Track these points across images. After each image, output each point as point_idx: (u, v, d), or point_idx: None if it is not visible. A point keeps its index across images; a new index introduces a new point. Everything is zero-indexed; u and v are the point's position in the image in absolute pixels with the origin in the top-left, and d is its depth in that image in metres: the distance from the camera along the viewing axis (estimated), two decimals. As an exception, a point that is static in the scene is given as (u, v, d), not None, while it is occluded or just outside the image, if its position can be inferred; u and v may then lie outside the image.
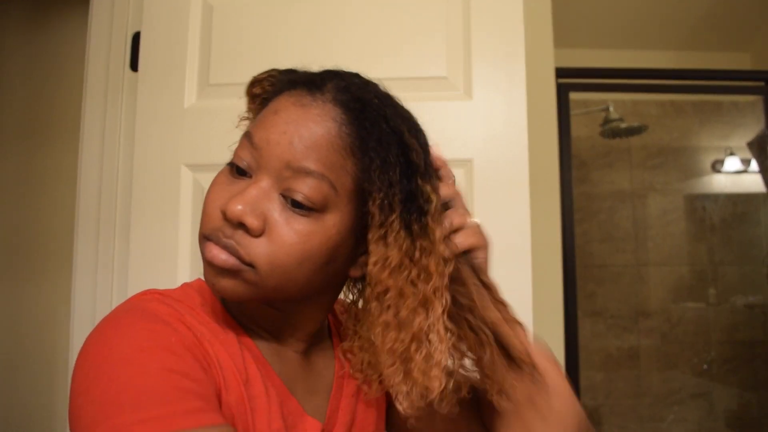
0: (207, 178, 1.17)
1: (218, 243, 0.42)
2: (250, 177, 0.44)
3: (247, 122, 0.54)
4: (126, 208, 1.07)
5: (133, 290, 1.00)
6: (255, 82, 0.52)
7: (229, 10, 1.06)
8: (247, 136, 0.45)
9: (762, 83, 1.51)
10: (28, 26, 1.45)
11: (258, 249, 0.42)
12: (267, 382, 0.46)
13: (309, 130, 0.43)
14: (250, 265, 0.42)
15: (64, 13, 1.44)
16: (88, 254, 1.09)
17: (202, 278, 0.51)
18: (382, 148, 0.44)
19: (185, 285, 0.50)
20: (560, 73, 1.27)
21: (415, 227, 0.44)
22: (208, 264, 0.43)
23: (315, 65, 0.52)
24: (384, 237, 0.44)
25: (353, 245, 0.47)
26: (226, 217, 0.42)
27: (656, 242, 2.56)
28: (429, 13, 1.03)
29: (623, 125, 2.34)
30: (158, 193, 1.02)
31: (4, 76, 1.44)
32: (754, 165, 2.46)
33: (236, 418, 0.42)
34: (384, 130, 0.45)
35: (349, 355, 0.54)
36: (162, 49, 1.06)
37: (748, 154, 2.46)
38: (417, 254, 0.44)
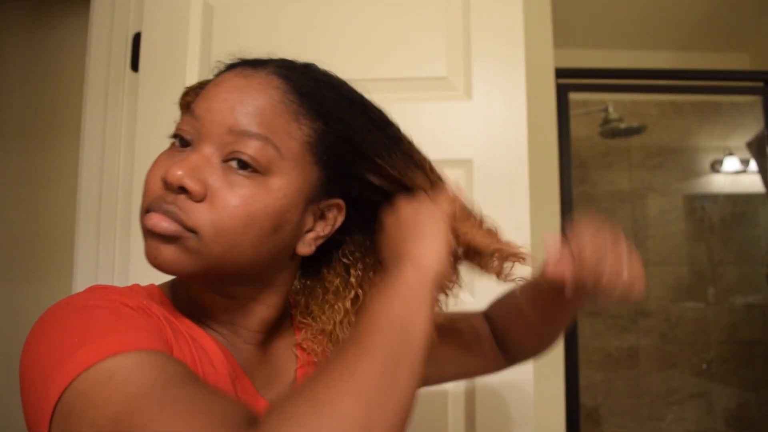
0: (208, 178, 1.15)
1: (159, 210, 0.41)
2: (192, 149, 0.43)
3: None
4: (126, 208, 1.07)
5: (133, 290, 1.00)
6: (188, 91, 0.53)
7: (229, 11, 1.06)
8: (188, 110, 0.45)
9: (761, 84, 1.51)
10: (28, 27, 1.45)
11: (200, 213, 0.41)
12: (220, 361, 0.45)
13: (251, 97, 0.43)
14: (193, 230, 0.41)
15: (64, 13, 1.44)
16: (89, 255, 1.09)
17: (154, 284, 0.51)
18: (337, 115, 0.46)
19: (134, 285, 0.49)
20: (560, 73, 1.28)
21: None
22: (149, 234, 0.41)
23: (254, 57, 0.52)
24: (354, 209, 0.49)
25: (300, 217, 0.46)
26: (166, 183, 0.41)
27: (655, 242, 2.56)
28: (429, 13, 1.03)
29: (623, 125, 2.34)
30: (159, 193, 1.02)
31: (4, 76, 1.44)
32: (753, 165, 2.47)
33: None
34: (333, 97, 0.47)
35: (305, 345, 0.54)
36: (163, 49, 1.06)
37: (747, 155, 2.47)
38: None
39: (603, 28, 2.20)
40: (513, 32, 1.02)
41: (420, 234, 0.45)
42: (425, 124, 0.99)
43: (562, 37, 1.37)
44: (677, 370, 2.50)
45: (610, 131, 2.37)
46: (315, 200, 0.47)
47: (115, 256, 1.09)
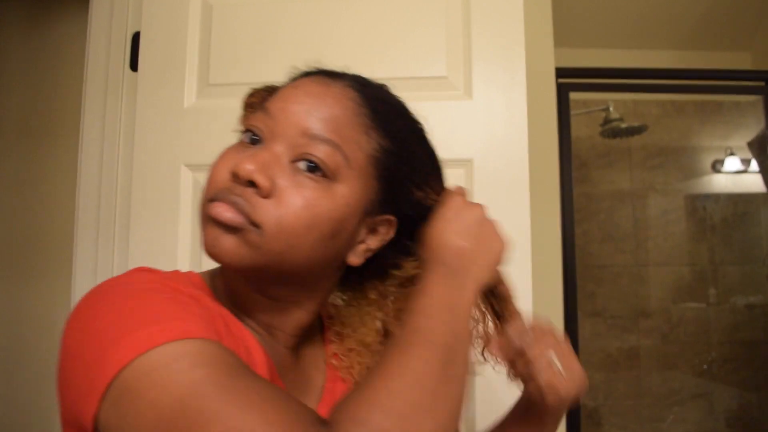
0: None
1: (225, 200, 0.41)
2: (262, 145, 0.44)
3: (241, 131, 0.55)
4: (125, 207, 1.07)
5: (132, 290, 1.00)
6: (254, 92, 0.54)
7: (228, 10, 1.06)
8: (262, 108, 0.46)
9: (762, 83, 1.50)
10: (27, 26, 1.45)
11: (266, 209, 0.41)
12: (261, 360, 0.45)
13: (327, 105, 0.44)
14: (256, 225, 0.41)
15: (63, 12, 1.44)
16: (88, 254, 1.09)
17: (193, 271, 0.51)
18: (423, 150, 0.50)
19: (176, 271, 0.50)
20: (560, 72, 1.27)
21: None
22: (212, 221, 0.42)
23: (314, 64, 0.52)
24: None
25: (356, 227, 0.47)
26: (236, 176, 0.41)
27: (656, 242, 2.55)
28: (429, 12, 1.03)
29: (623, 125, 2.34)
30: (158, 192, 1.02)
31: (3, 75, 1.44)
32: (754, 165, 2.46)
33: None
34: (402, 119, 0.49)
35: (335, 360, 0.54)
36: (162, 48, 1.06)
37: (748, 154, 2.46)
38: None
39: (603, 27, 2.20)
40: (513, 32, 1.02)
41: (482, 244, 0.48)
42: (425, 124, 0.98)
43: (562, 36, 1.37)
44: (678, 371, 2.49)
45: (611, 131, 2.36)
46: (371, 213, 0.48)
47: (114, 255, 1.08)
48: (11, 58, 1.44)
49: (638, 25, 2.19)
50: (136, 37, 1.11)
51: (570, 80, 1.35)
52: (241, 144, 0.46)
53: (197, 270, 1.05)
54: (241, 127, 0.48)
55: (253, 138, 0.45)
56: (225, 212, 0.41)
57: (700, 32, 2.24)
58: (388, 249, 0.52)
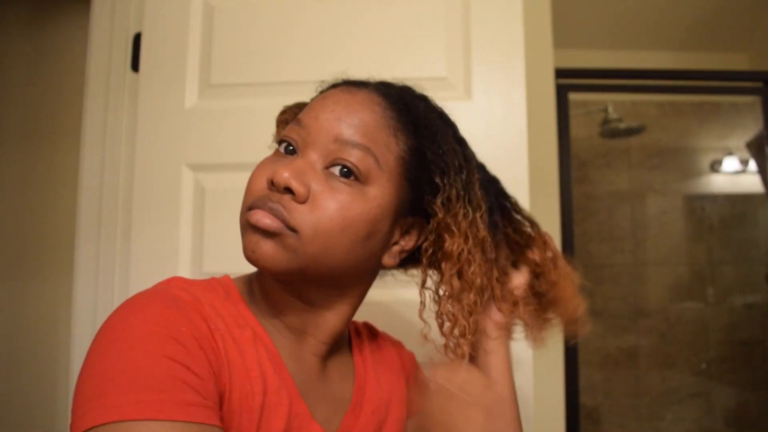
0: (208, 179, 1.17)
1: (263, 207, 0.43)
2: (296, 155, 0.46)
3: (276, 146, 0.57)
4: (127, 208, 1.07)
5: (134, 290, 1.00)
6: (285, 110, 0.57)
7: (229, 11, 1.07)
8: (296, 120, 0.48)
9: (760, 84, 1.51)
10: (29, 27, 1.46)
11: (302, 214, 0.43)
12: (278, 381, 0.46)
13: (356, 110, 0.46)
14: (293, 229, 0.43)
15: (65, 13, 1.44)
16: (90, 254, 1.09)
17: (229, 275, 0.52)
18: (444, 137, 0.49)
19: (212, 279, 0.51)
20: (559, 73, 1.28)
21: (470, 217, 0.49)
22: (252, 228, 0.43)
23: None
24: (455, 220, 0.49)
25: (390, 228, 0.49)
26: (273, 184, 0.44)
27: (655, 242, 2.56)
28: (429, 13, 1.03)
29: (622, 125, 2.35)
30: (159, 193, 1.03)
31: (5, 76, 1.44)
32: (752, 165, 2.47)
33: (240, 416, 0.42)
34: (433, 121, 0.50)
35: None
36: (163, 49, 1.06)
37: (746, 155, 2.47)
38: (471, 242, 0.49)
39: (603, 28, 2.20)
40: (513, 32, 1.02)
41: None
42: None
43: (562, 37, 1.37)
44: (677, 370, 2.50)
45: (610, 131, 2.37)
46: (403, 215, 0.49)
47: (116, 256, 1.09)
48: (13, 58, 1.44)
49: (637, 26, 2.19)
50: (137, 38, 1.11)
51: (569, 81, 1.36)
52: (277, 154, 0.48)
53: (196, 268, 1.04)
54: (277, 142, 0.50)
55: (288, 148, 0.47)
56: (263, 218, 0.43)
57: (698, 33, 2.25)
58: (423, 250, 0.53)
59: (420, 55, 1.03)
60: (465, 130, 1.01)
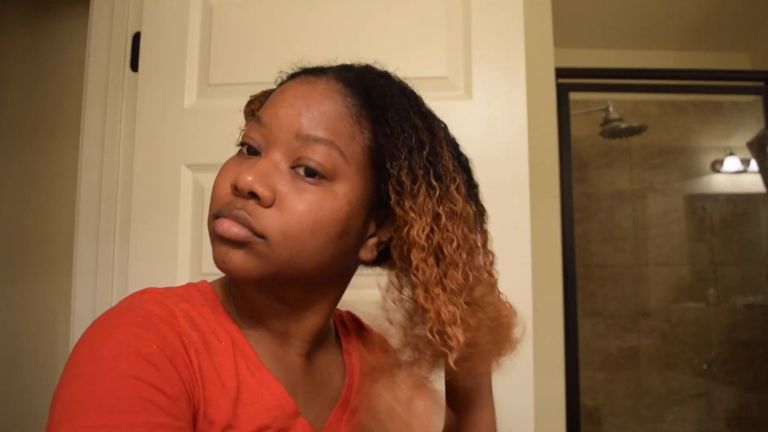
0: (207, 178, 1.16)
1: (229, 216, 0.42)
2: (260, 156, 0.44)
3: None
4: (126, 208, 1.07)
5: (133, 290, 1.00)
6: (252, 100, 0.54)
7: (229, 10, 1.06)
8: (256, 118, 0.46)
9: (761, 83, 1.51)
10: (28, 26, 1.45)
11: (269, 219, 0.41)
12: (257, 386, 0.45)
13: (316, 102, 0.44)
14: (262, 236, 0.41)
15: (64, 13, 1.44)
16: (88, 254, 1.09)
17: (206, 280, 0.50)
18: (399, 114, 0.45)
19: (189, 285, 0.49)
20: (560, 73, 1.27)
21: (438, 193, 0.45)
22: (220, 239, 0.42)
23: (315, 64, 0.53)
24: (414, 204, 0.44)
25: (363, 222, 0.47)
26: (236, 189, 0.42)
27: (656, 242, 2.55)
28: (429, 13, 1.03)
29: (623, 125, 2.34)
30: (158, 193, 1.02)
31: (4, 76, 1.44)
32: (753, 165, 2.46)
33: (217, 427, 0.41)
34: (395, 99, 0.46)
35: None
36: (162, 49, 1.06)
37: (747, 154, 2.46)
38: (443, 220, 0.45)
39: (603, 27, 2.20)
40: (513, 32, 1.02)
41: None
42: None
43: (562, 37, 1.37)
44: (678, 371, 2.50)
45: (611, 131, 2.36)
46: (377, 206, 0.47)
47: (115, 255, 1.08)
48: (12, 58, 1.44)
49: (638, 25, 2.19)
50: (136, 38, 1.11)
51: (570, 80, 1.35)
52: (240, 155, 0.46)
53: (195, 268, 1.04)
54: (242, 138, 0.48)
55: (250, 149, 0.45)
56: (230, 228, 0.41)
57: (699, 33, 2.25)
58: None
59: (420, 55, 1.02)
60: (465, 130, 1.00)
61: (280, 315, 0.48)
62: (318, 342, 0.52)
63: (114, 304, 1.13)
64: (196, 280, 0.51)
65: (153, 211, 1.02)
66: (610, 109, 2.33)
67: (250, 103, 0.55)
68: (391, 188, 0.45)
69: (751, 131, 2.31)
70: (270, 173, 0.42)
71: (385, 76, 0.50)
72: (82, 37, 1.17)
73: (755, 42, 2.29)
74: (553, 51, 1.21)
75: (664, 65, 2.27)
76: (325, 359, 0.54)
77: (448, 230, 0.45)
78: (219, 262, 0.42)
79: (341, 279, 0.51)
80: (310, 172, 0.43)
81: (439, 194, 0.45)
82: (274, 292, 0.47)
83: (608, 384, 2.48)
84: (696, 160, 2.59)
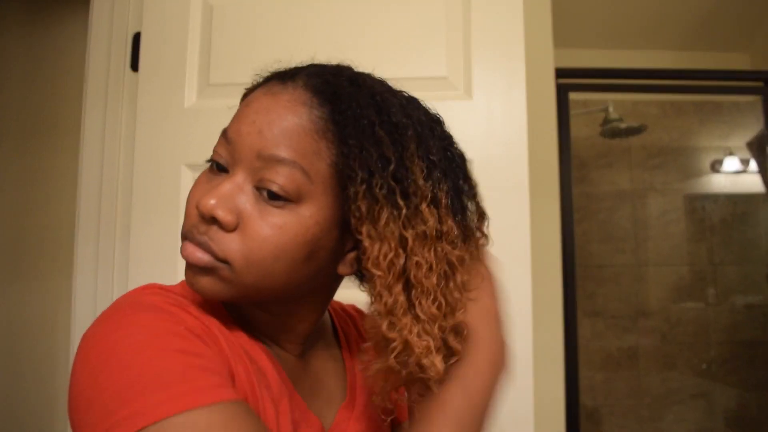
0: (207, 178, 1.15)
1: (193, 240, 0.41)
2: (227, 173, 0.43)
3: None
4: (126, 208, 1.07)
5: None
6: (248, 92, 0.51)
7: (229, 10, 1.06)
8: (223, 132, 0.44)
9: (761, 83, 1.51)
10: (28, 26, 1.45)
11: (231, 245, 0.40)
12: (273, 378, 0.45)
13: (278, 117, 0.41)
14: (225, 261, 0.40)
15: (64, 13, 1.44)
16: (89, 254, 1.09)
17: None
18: (358, 131, 0.41)
19: (185, 282, 0.49)
20: (560, 73, 1.27)
21: (405, 213, 0.41)
22: (186, 262, 0.42)
23: (273, 66, 0.51)
24: (374, 229, 0.41)
25: (337, 239, 0.44)
26: (199, 213, 0.41)
27: (656, 242, 2.56)
28: (429, 13, 1.03)
29: (623, 125, 2.34)
30: (158, 193, 1.03)
31: (4, 76, 1.44)
32: (753, 165, 2.46)
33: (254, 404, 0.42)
34: (358, 112, 0.42)
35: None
36: (162, 49, 1.06)
37: (747, 155, 2.47)
38: (410, 243, 0.41)
39: (603, 28, 2.20)
40: (513, 32, 1.02)
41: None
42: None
43: (562, 37, 1.37)
44: (677, 371, 2.50)
45: (611, 131, 2.36)
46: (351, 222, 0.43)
47: (115, 255, 1.09)
48: (12, 58, 1.44)
49: (638, 25, 2.19)
50: (136, 38, 1.11)
51: (569, 80, 1.35)
52: (211, 171, 0.44)
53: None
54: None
55: (219, 165, 0.43)
56: (194, 253, 0.41)
57: (699, 33, 2.25)
58: None
59: (420, 55, 1.02)
60: (465, 130, 1.01)
61: (268, 322, 0.48)
62: (311, 343, 0.52)
63: (114, 303, 1.11)
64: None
65: (153, 210, 1.02)
66: (610, 109, 2.33)
67: (245, 95, 0.52)
68: (351, 212, 0.41)
69: (750, 131, 2.32)
70: (232, 196, 0.41)
71: (356, 82, 0.45)
72: (82, 37, 1.17)
73: (755, 42, 2.29)
74: (552, 51, 1.21)
75: (664, 65, 2.28)
76: (321, 358, 0.54)
77: (416, 254, 0.41)
78: (189, 284, 0.42)
79: (323, 290, 0.50)
80: (273, 196, 0.40)
81: (406, 215, 0.41)
82: (256, 303, 0.47)
83: (608, 384, 2.48)
84: (696, 160, 2.59)
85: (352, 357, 0.57)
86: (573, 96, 1.35)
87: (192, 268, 0.41)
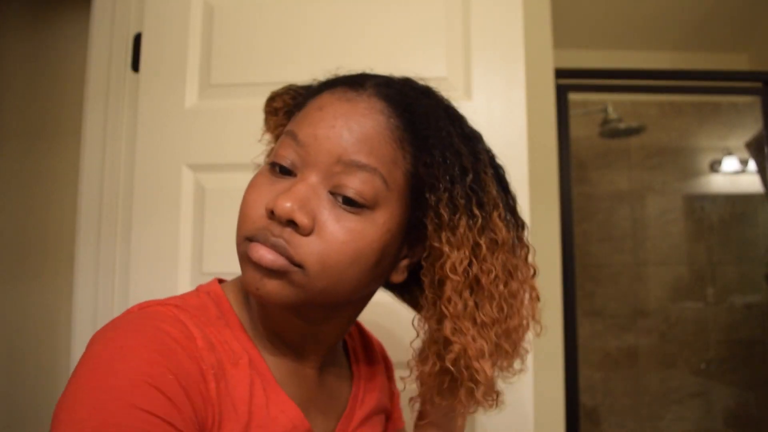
0: (208, 179, 1.17)
1: (265, 243, 0.40)
2: (294, 176, 0.42)
3: (269, 135, 0.53)
4: (127, 208, 1.07)
5: (134, 290, 1.00)
6: (274, 96, 0.51)
7: (229, 11, 1.07)
8: (290, 135, 0.43)
9: (760, 84, 1.51)
10: (29, 27, 1.46)
11: (308, 248, 0.40)
12: (275, 410, 0.43)
13: (358, 123, 0.41)
14: (299, 265, 0.40)
15: (65, 14, 1.44)
16: (90, 255, 1.09)
17: (217, 280, 0.49)
18: (440, 141, 0.43)
19: (202, 293, 0.47)
20: (559, 73, 1.28)
21: (480, 222, 0.43)
22: (254, 265, 0.40)
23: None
24: (453, 236, 0.42)
25: (399, 247, 0.45)
26: (274, 215, 0.40)
27: (655, 242, 2.56)
28: (429, 13, 1.03)
29: (622, 126, 2.35)
30: (159, 193, 1.03)
31: (5, 76, 1.44)
32: (752, 165, 2.47)
33: None
34: (437, 123, 0.44)
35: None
36: (163, 49, 1.06)
37: (746, 155, 2.47)
38: (483, 251, 0.43)
39: (603, 28, 2.21)
40: (513, 33, 1.02)
41: None
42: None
43: (562, 37, 1.38)
44: (676, 370, 2.50)
45: (610, 131, 2.37)
46: (410, 229, 0.45)
47: (116, 256, 1.09)
48: (13, 58, 1.44)
49: (637, 26, 2.20)
50: (137, 38, 1.11)
51: (569, 81, 1.36)
52: (272, 173, 0.43)
53: (196, 268, 1.04)
54: (266, 134, 0.47)
55: (283, 168, 0.43)
56: (266, 255, 0.39)
57: (698, 33, 2.25)
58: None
59: (420, 55, 1.03)
60: (465, 130, 1.01)
61: (299, 330, 0.47)
62: (329, 357, 0.52)
63: (115, 304, 1.11)
64: (197, 280, 0.50)
65: (154, 211, 1.02)
66: (609, 109, 2.34)
67: (272, 99, 0.52)
68: (429, 219, 0.43)
69: (749, 132, 2.32)
70: (309, 199, 0.40)
71: (428, 94, 0.47)
72: (83, 37, 1.17)
73: (753, 43, 2.29)
74: (552, 52, 1.22)
75: (663, 66, 2.28)
76: (335, 370, 0.54)
77: (486, 261, 0.43)
78: (252, 288, 0.41)
79: (365, 299, 0.50)
80: (351, 201, 0.41)
81: (482, 224, 0.43)
82: (297, 310, 0.45)
83: (607, 383, 2.49)
84: (694, 160, 2.60)
85: (359, 368, 0.57)
86: (572, 96, 1.36)
87: (260, 270, 0.40)
